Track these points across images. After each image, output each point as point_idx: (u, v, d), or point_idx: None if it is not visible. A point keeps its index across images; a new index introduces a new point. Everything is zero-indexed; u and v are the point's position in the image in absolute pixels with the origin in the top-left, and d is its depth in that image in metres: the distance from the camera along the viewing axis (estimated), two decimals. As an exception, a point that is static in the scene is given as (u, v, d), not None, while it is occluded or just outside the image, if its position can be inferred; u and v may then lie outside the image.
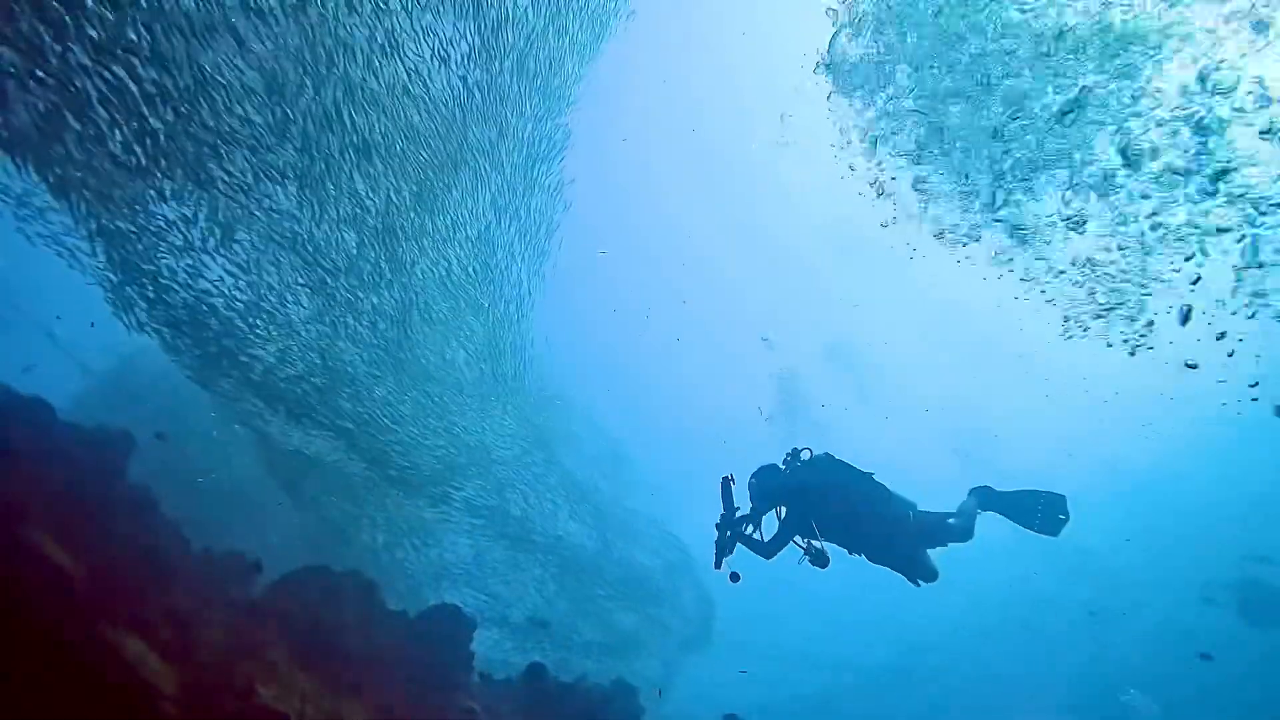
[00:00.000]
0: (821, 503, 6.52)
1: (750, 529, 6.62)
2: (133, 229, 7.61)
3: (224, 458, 11.15)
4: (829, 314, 21.61)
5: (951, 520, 6.73)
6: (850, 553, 6.69)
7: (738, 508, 6.56)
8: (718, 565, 6.51)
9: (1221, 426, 20.05)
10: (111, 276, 8.05)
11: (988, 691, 26.84)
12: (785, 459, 6.94)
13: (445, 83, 8.12)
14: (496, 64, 8.45)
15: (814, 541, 6.46)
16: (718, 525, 6.52)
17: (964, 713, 27.00)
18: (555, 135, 10.07)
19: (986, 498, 6.97)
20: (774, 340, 21.89)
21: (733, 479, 6.61)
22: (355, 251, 8.93)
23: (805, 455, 6.88)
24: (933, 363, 21.69)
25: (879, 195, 9.31)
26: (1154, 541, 22.65)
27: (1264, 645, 19.07)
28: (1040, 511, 6.78)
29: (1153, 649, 24.25)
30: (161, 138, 6.71)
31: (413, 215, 9.06)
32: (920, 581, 6.67)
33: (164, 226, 7.61)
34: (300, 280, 8.79)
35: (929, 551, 6.68)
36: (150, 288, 8.12)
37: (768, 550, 6.56)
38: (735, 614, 17.69)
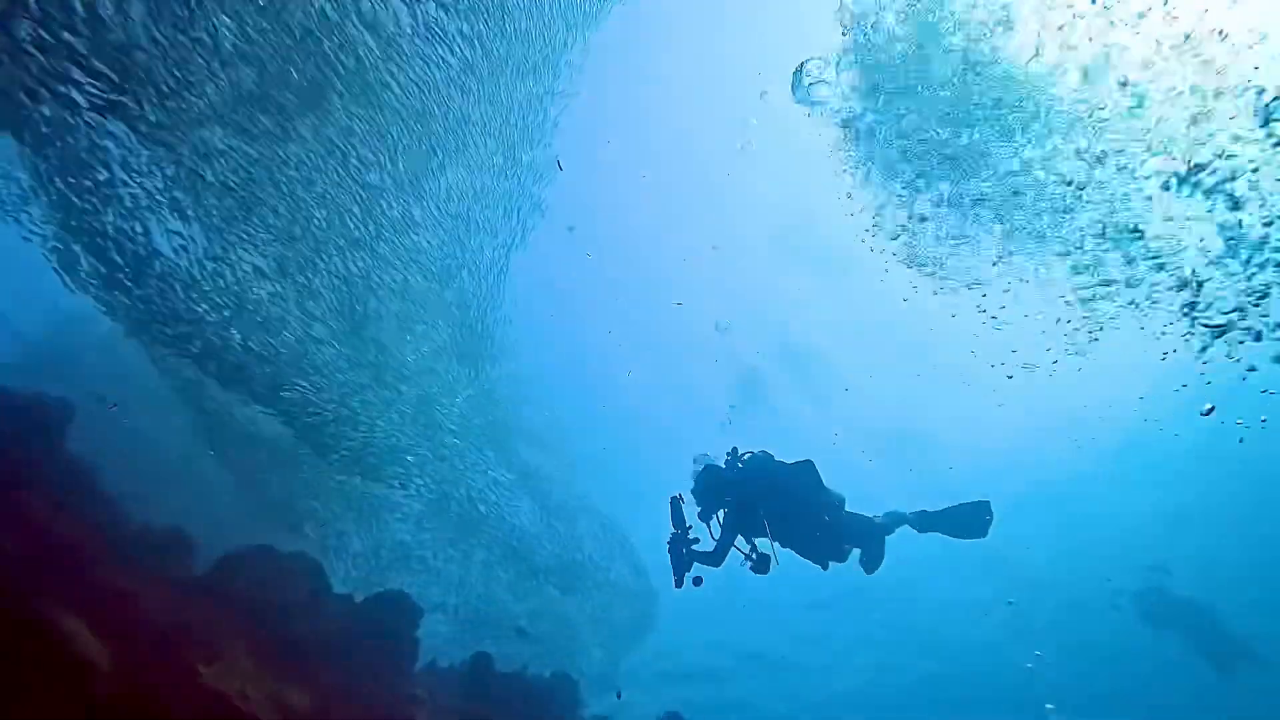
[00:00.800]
0: (762, 499, 6.62)
1: (690, 528, 6.66)
2: (83, 182, 7.33)
3: (165, 430, 10.75)
4: (782, 315, 21.83)
5: (879, 521, 7.09)
6: (782, 546, 6.75)
7: (689, 525, 6.58)
8: (678, 584, 6.51)
9: (1136, 443, 21.30)
10: (55, 232, 7.74)
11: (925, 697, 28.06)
12: (726, 458, 7.04)
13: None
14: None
15: (756, 544, 6.59)
16: (670, 544, 6.52)
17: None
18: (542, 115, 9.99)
19: (924, 518, 7.27)
20: (729, 327, 22.01)
21: (682, 498, 6.67)
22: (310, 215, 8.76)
23: (745, 455, 7.02)
24: (879, 368, 22.17)
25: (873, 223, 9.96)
26: (1070, 549, 23.78)
27: (1161, 648, 20.27)
28: (970, 522, 7.14)
29: (1065, 653, 25.68)
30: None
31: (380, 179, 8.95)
32: (829, 564, 7.05)
33: (115, 181, 7.35)
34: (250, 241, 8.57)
35: (848, 548, 7.02)
36: (97, 244, 7.84)
37: (715, 559, 6.60)
38: (679, 604, 17.84)
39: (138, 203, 7.76)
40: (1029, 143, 8.03)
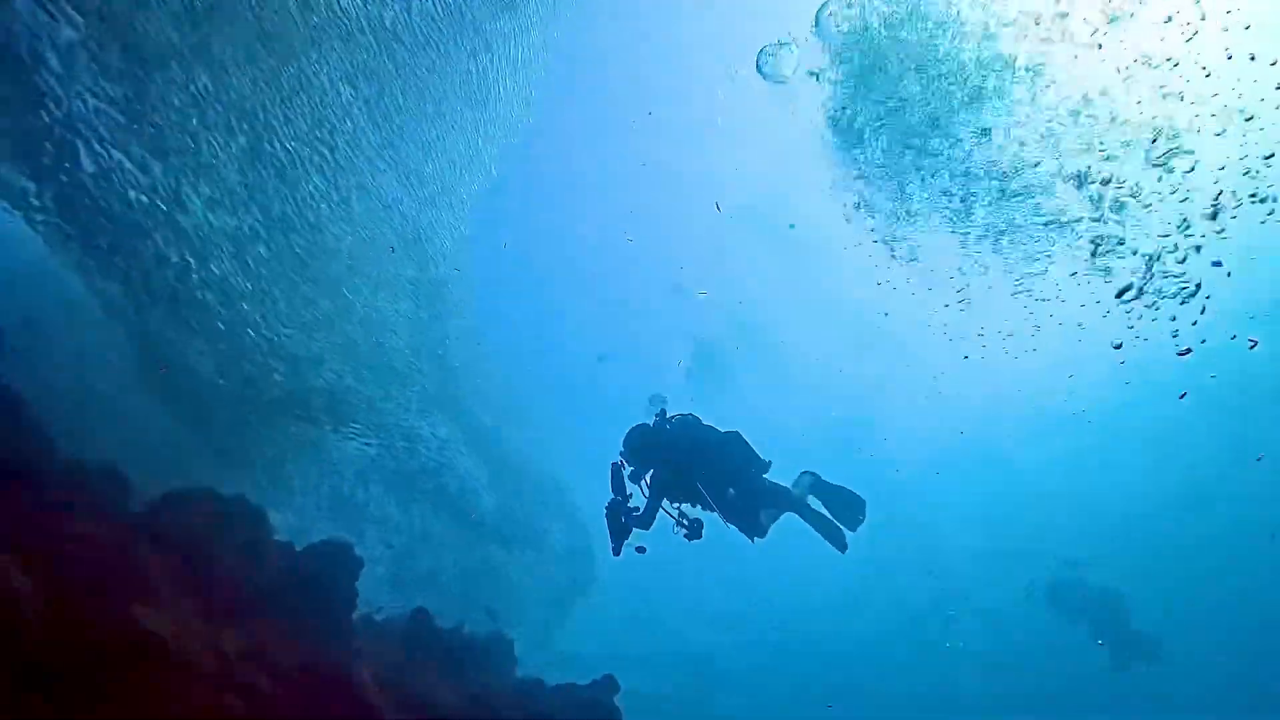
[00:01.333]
0: (689, 461, 6.67)
1: (630, 496, 6.60)
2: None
3: (99, 363, 10.29)
4: (742, 291, 22.10)
5: (793, 490, 7.27)
6: (705, 510, 6.86)
7: (629, 494, 6.54)
8: (616, 552, 6.47)
9: (1061, 440, 22.62)
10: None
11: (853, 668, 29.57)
12: (655, 418, 7.02)
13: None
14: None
15: (683, 509, 6.70)
16: (608, 510, 6.45)
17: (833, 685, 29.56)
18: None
19: (816, 482, 7.46)
20: (686, 292, 22.14)
21: (623, 463, 6.65)
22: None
23: (673, 417, 7.03)
24: (829, 348, 22.72)
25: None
26: (995, 541, 25.30)
27: (1069, 636, 21.70)
28: (848, 507, 7.34)
29: (981, 638, 27.42)
30: None
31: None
32: (755, 539, 7.10)
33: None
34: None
35: (767, 513, 7.12)
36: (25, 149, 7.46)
37: (643, 521, 6.56)
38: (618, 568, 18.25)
39: (79, 114, 7.40)
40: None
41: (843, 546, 7.26)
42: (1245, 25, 9.13)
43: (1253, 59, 8.89)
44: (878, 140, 10.62)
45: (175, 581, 6.48)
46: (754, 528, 7.02)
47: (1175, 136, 9.42)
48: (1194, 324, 11.46)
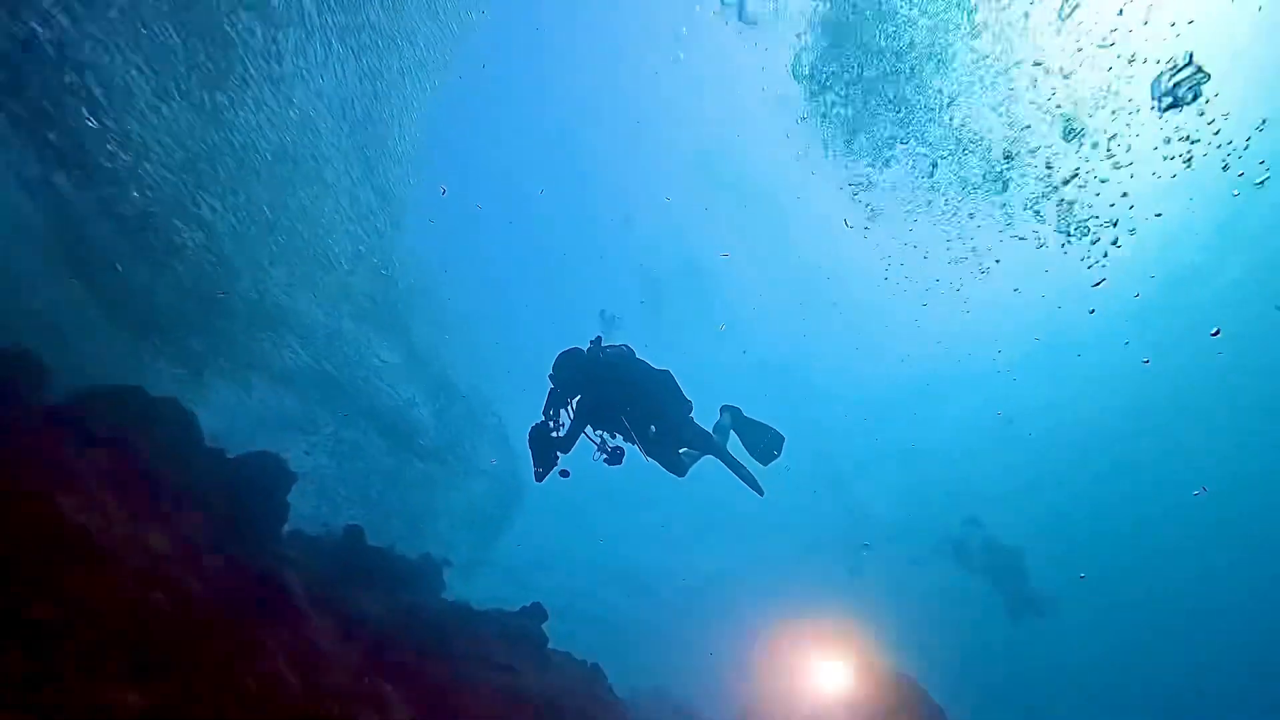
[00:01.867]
0: (619, 390, 6.69)
1: (556, 417, 6.61)
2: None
3: (18, 245, 9.55)
4: (688, 235, 21.88)
5: (714, 435, 7.44)
6: (626, 441, 6.88)
7: (561, 423, 6.52)
8: (538, 478, 6.44)
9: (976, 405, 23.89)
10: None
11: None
12: (590, 345, 6.96)
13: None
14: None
15: (605, 437, 6.75)
16: (531, 433, 6.41)
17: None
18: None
19: (736, 417, 7.72)
20: (634, 226, 21.81)
21: (555, 390, 6.61)
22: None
23: (609, 347, 6.97)
24: (772, 299, 22.90)
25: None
26: (911, 499, 26.59)
27: (971, 587, 23.43)
28: (765, 443, 7.61)
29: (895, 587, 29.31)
30: None
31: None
32: (679, 475, 7.32)
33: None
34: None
35: (687, 454, 7.35)
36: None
37: (564, 444, 6.55)
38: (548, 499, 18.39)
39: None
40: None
41: (760, 491, 7.44)
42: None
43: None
44: (843, 92, 11.06)
45: (100, 476, 6.23)
46: (675, 465, 7.18)
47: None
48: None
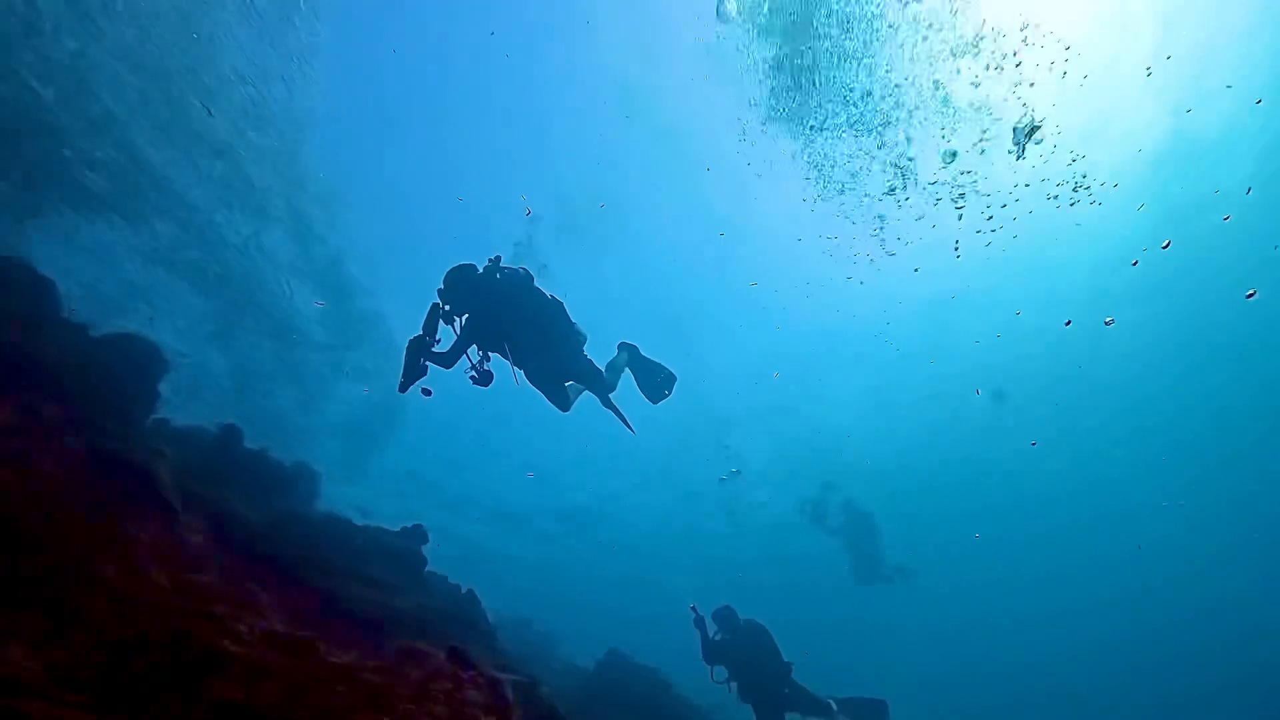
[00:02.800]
0: (510, 313, 6.58)
1: (433, 332, 6.44)
2: None
3: None
4: (599, 169, 21.50)
5: (605, 373, 7.48)
6: (513, 364, 6.79)
7: (438, 339, 6.36)
8: (403, 389, 6.28)
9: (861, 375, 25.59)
10: None
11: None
12: (487, 263, 6.81)
13: None
14: None
15: (489, 357, 6.63)
16: (409, 345, 6.23)
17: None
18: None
19: (634, 356, 7.79)
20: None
21: (443, 308, 6.43)
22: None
23: (507, 268, 6.84)
24: (676, 240, 23.12)
25: None
26: (783, 462, 28.20)
27: (823, 544, 25.36)
28: (657, 382, 7.73)
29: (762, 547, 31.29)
30: None
31: None
32: (563, 409, 7.38)
33: None
34: None
35: (574, 390, 7.42)
36: None
37: (446, 360, 6.44)
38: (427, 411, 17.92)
39: None
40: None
41: (631, 429, 7.57)
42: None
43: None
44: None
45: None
46: (559, 398, 7.20)
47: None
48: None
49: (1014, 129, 12.66)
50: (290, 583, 6.79)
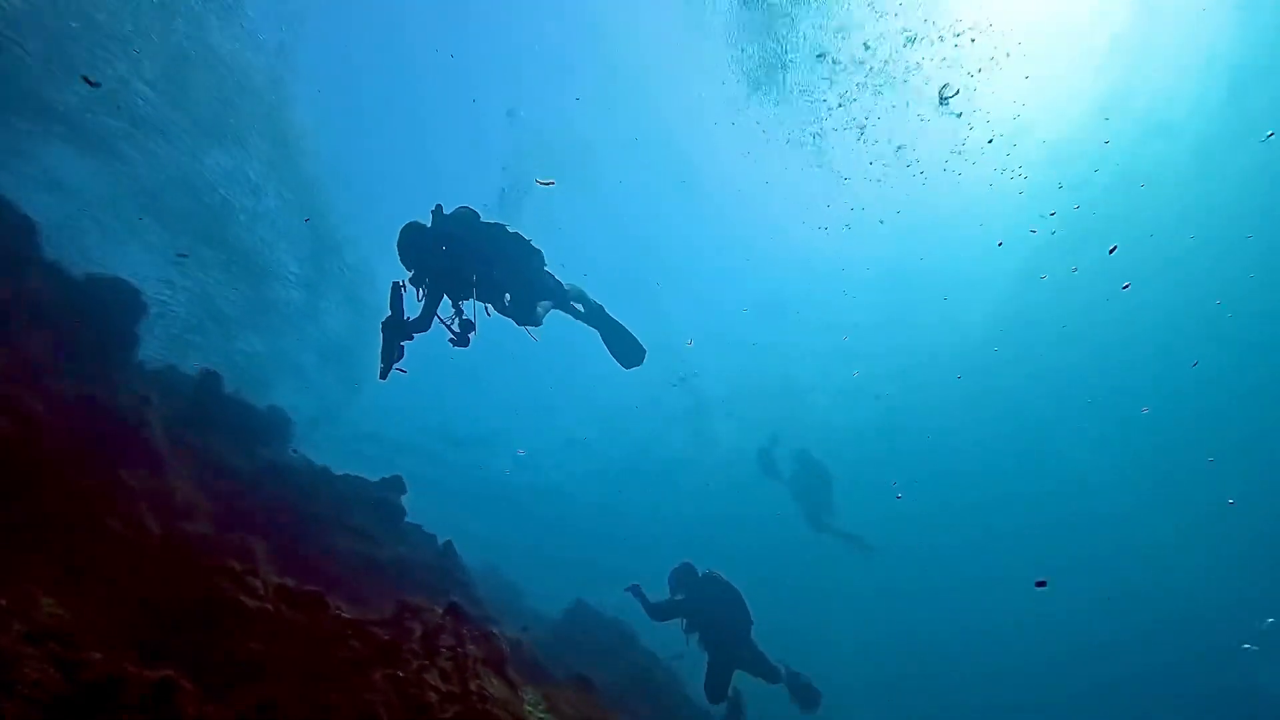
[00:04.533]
0: (468, 256, 6.57)
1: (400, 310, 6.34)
2: None
3: None
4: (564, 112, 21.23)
5: (566, 289, 7.51)
6: (478, 299, 6.80)
7: (408, 317, 6.30)
8: (383, 375, 6.24)
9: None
10: None
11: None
12: (432, 215, 6.72)
13: None
14: None
15: (461, 307, 6.62)
16: (384, 327, 6.18)
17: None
18: None
19: (599, 313, 7.77)
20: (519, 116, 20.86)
21: (404, 285, 6.35)
22: None
23: (450, 212, 6.76)
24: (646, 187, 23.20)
25: None
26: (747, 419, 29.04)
27: (772, 494, 26.15)
28: (626, 348, 7.79)
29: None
30: None
31: None
32: (530, 329, 7.32)
33: None
34: None
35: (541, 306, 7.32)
36: None
37: (420, 324, 6.40)
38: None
39: None
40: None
41: (630, 364, 7.82)
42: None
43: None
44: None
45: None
46: (529, 317, 7.20)
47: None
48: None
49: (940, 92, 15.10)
50: (279, 531, 6.98)
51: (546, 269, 7.30)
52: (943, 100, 15.13)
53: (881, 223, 19.76)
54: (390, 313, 6.21)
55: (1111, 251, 19.93)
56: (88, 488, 5.35)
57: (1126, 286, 20.85)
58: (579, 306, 7.72)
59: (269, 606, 3.77)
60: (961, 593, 35.98)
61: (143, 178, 11.73)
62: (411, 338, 6.37)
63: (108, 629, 3.41)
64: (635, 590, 9.93)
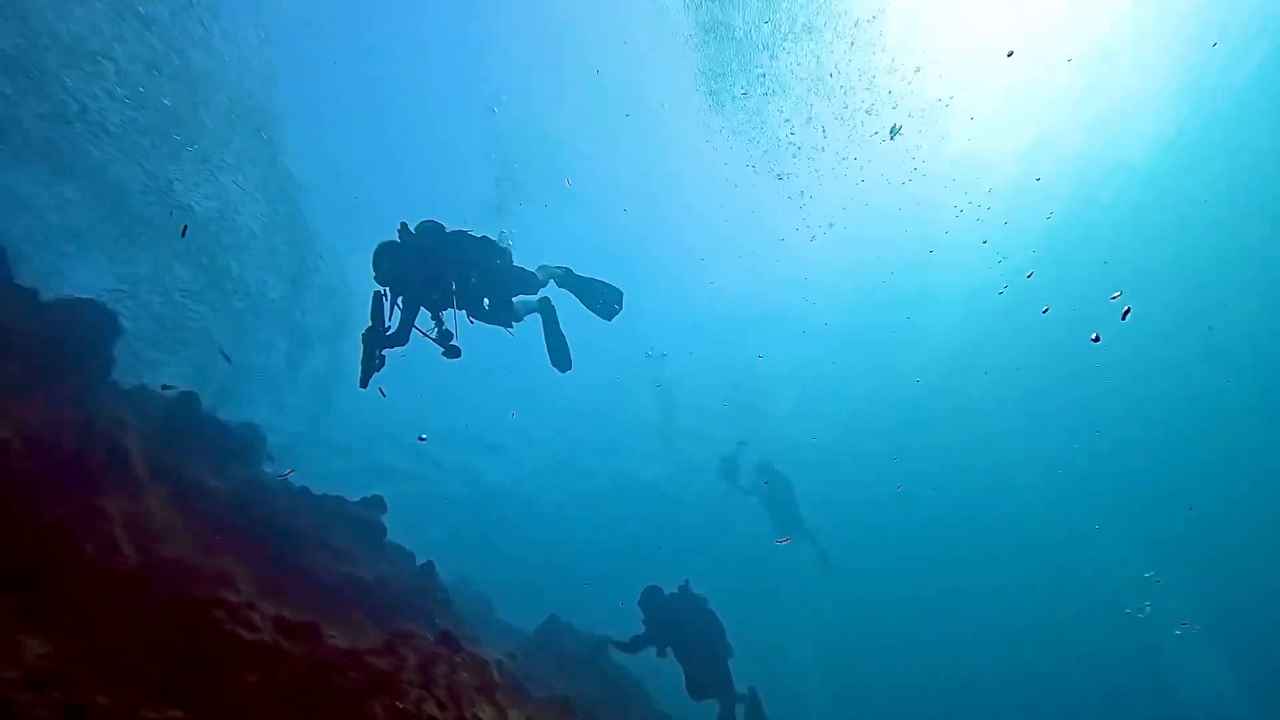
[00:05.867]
0: (440, 266, 6.66)
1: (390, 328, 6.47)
2: None
3: None
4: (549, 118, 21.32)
5: (537, 275, 7.60)
6: (457, 307, 6.81)
7: (389, 327, 6.40)
8: (363, 384, 6.32)
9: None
10: None
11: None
12: (399, 231, 6.78)
13: None
14: None
15: (442, 319, 6.67)
16: (365, 337, 6.26)
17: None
18: None
19: (569, 277, 7.82)
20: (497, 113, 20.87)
21: (386, 294, 6.44)
22: None
23: (416, 227, 6.83)
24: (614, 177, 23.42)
25: None
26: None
27: (732, 499, 26.31)
28: (602, 299, 7.74)
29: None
30: None
31: None
32: (511, 328, 7.43)
33: None
34: None
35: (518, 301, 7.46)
36: None
37: (399, 337, 6.47)
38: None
39: None
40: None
41: (566, 366, 7.75)
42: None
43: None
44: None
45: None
46: (508, 315, 7.30)
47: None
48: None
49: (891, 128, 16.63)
50: (258, 553, 6.93)
51: (516, 264, 7.38)
52: (892, 135, 16.96)
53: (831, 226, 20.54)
54: (370, 323, 6.32)
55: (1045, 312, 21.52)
56: (65, 516, 5.27)
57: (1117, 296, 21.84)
58: (552, 282, 7.76)
59: (266, 639, 3.79)
60: (922, 604, 36.59)
61: (112, 192, 11.50)
62: (390, 348, 6.44)
63: (104, 667, 3.40)
64: (602, 646, 10.03)
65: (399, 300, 6.56)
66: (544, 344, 7.64)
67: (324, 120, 18.81)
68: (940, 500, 33.01)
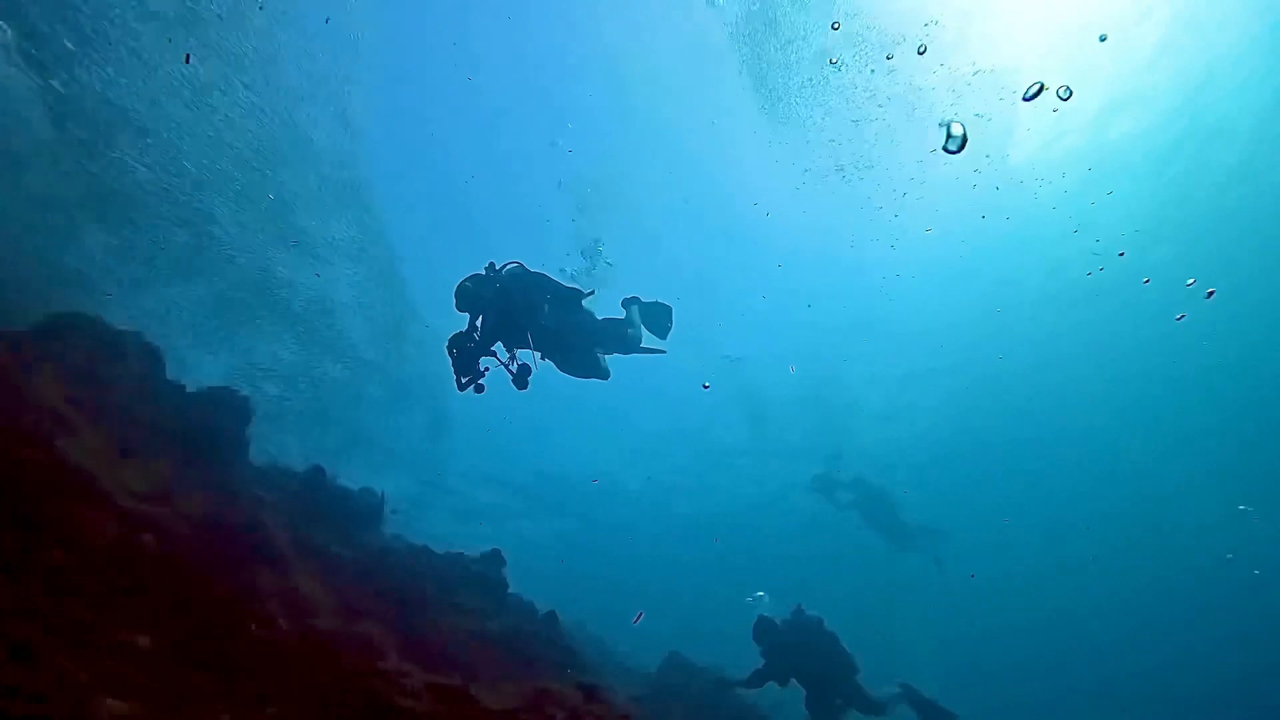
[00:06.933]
0: (519, 310, 6.94)
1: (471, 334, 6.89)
2: None
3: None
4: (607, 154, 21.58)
5: (630, 330, 7.77)
6: (543, 358, 7.15)
7: (476, 328, 6.81)
8: (461, 387, 6.74)
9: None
10: None
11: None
12: (485, 270, 7.17)
13: None
14: None
15: (516, 355, 6.99)
16: (450, 343, 6.71)
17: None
18: None
19: (641, 307, 8.05)
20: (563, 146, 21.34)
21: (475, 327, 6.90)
22: None
23: (503, 267, 7.20)
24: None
25: None
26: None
27: (834, 518, 25.32)
28: (661, 319, 7.99)
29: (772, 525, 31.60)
30: None
31: None
32: (599, 379, 7.65)
33: None
34: None
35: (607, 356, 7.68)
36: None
37: (480, 349, 6.88)
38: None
39: None
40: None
41: (664, 331, 8.01)
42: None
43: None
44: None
45: (80, 411, 5.98)
46: (596, 370, 7.48)
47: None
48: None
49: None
50: (396, 618, 7.23)
51: (588, 309, 7.55)
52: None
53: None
54: (465, 330, 6.76)
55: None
56: (228, 596, 5.69)
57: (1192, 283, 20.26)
58: (638, 325, 7.91)
59: (424, 706, 3.93)
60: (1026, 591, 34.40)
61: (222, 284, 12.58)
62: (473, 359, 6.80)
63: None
64: (725, 685, 9.96)
65: (476, 328, 6.91)
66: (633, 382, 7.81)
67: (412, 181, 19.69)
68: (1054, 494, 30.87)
